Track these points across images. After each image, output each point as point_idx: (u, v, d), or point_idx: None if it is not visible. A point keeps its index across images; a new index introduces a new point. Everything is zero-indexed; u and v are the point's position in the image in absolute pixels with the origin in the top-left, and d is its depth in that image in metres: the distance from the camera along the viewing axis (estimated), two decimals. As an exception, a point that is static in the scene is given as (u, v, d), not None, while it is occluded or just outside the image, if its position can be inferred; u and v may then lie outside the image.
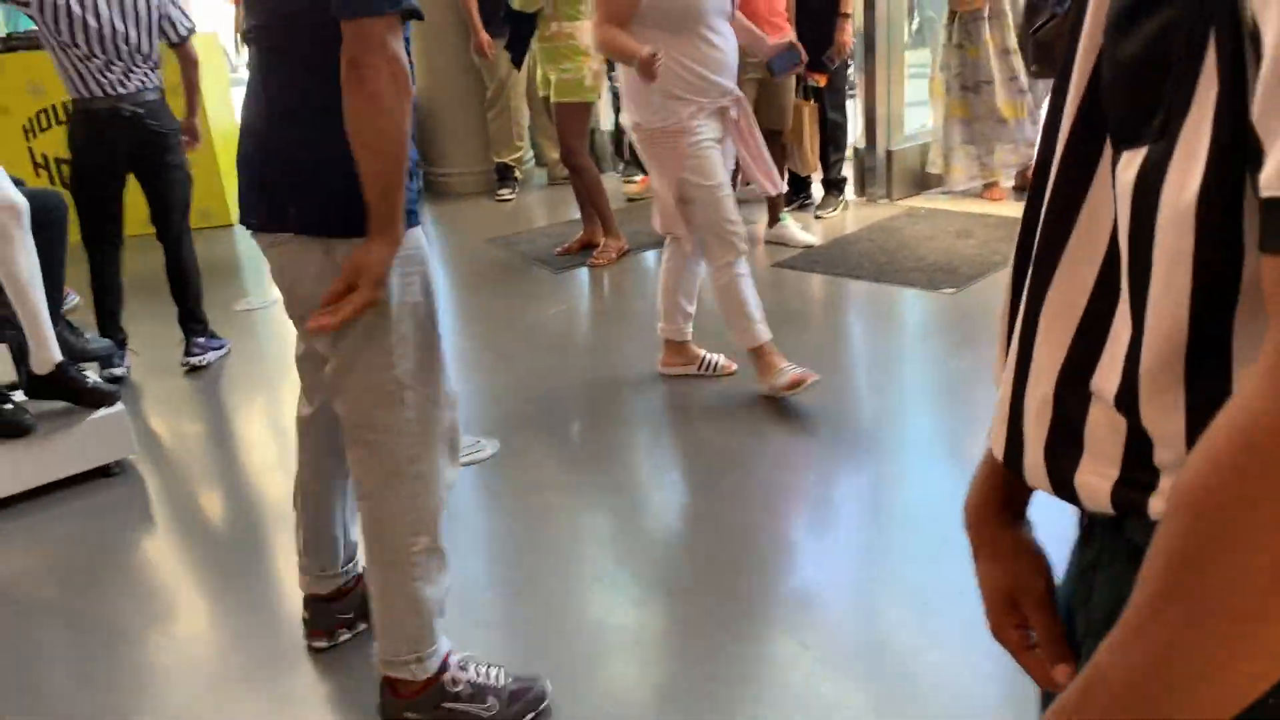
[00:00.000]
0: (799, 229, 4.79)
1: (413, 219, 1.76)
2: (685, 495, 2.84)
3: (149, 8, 3.64)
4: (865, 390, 3.39)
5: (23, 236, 2.92)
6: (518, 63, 5.08)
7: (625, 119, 3.19)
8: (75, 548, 2.78)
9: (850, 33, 4.84)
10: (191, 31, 3.81)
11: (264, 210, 1.75)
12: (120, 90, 3.62)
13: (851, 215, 5.17)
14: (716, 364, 3.44)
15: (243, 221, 1.83)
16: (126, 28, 3.60)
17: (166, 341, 3.99)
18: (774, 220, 4.82)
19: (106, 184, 3.75)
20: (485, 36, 5.60)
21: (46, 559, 2.75)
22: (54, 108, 5.69)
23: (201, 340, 3.92)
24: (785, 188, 4.98)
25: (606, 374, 3.64)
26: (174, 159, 3.79)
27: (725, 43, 3.06)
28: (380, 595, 1.90)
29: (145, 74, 3.67)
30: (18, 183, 3.21)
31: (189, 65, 3.90)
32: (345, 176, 1.61)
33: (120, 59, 3.61)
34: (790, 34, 4.13)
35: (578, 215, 4.99)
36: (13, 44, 5.80)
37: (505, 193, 6.09)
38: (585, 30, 4.50)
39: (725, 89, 3.07)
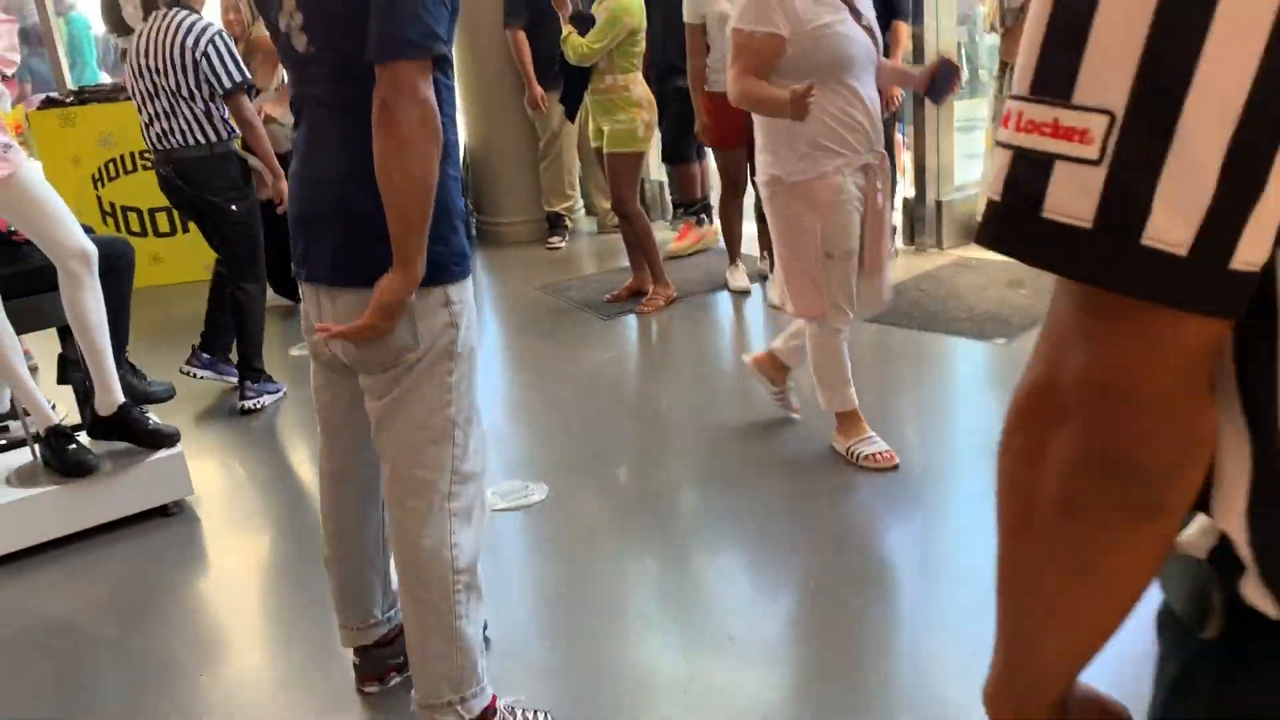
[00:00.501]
0: (848, 278, 4.79)
1: (465, 267, 1.81)
2: (734, 544, 2.83)
3: (183, 58, 3.57)
4: (914, 440, 3.37)
5: (91, 282, 3.01)
6: (571, 115, 5.18)
7: (760, 175, 3.01)
8: (132, 585, 2.84)
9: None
10: (238, 86, 3.62)
11: (332, 265, 1.80)
12: (159, 146, 3.72)
13: (900, 264, 5.15)
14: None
15: (305, 277, 1.87)
16: (164, 80, 3.61)
17: (204, 389, 4.08)
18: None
19: (196, 224, 3.92)
20: (539, 90, 5.71)
21: (104, 596, 2.80)
22: (121, 158, 5.89)
23: (255, 385, 4.00)
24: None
25: (655, 421, 3.66)
26: (225, 215, 3.76)
27: (871, 95, 2.89)
28: (419, 635, 1.90)
29: (185, 130, 3.64)
30: (87, 230, 3.33)
31: (238, 125, 3.73)
32: (432, 228, 1.69)
33: (159, 115, 3.66)
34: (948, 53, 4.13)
35: (627, 263, 5.03)
36: (85, 97, 6.02)
37: (556, 241, 6.17)
38: (638, 82, 4.58)
39: (871, 144, 2.88)
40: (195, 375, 4.08)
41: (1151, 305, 0.50)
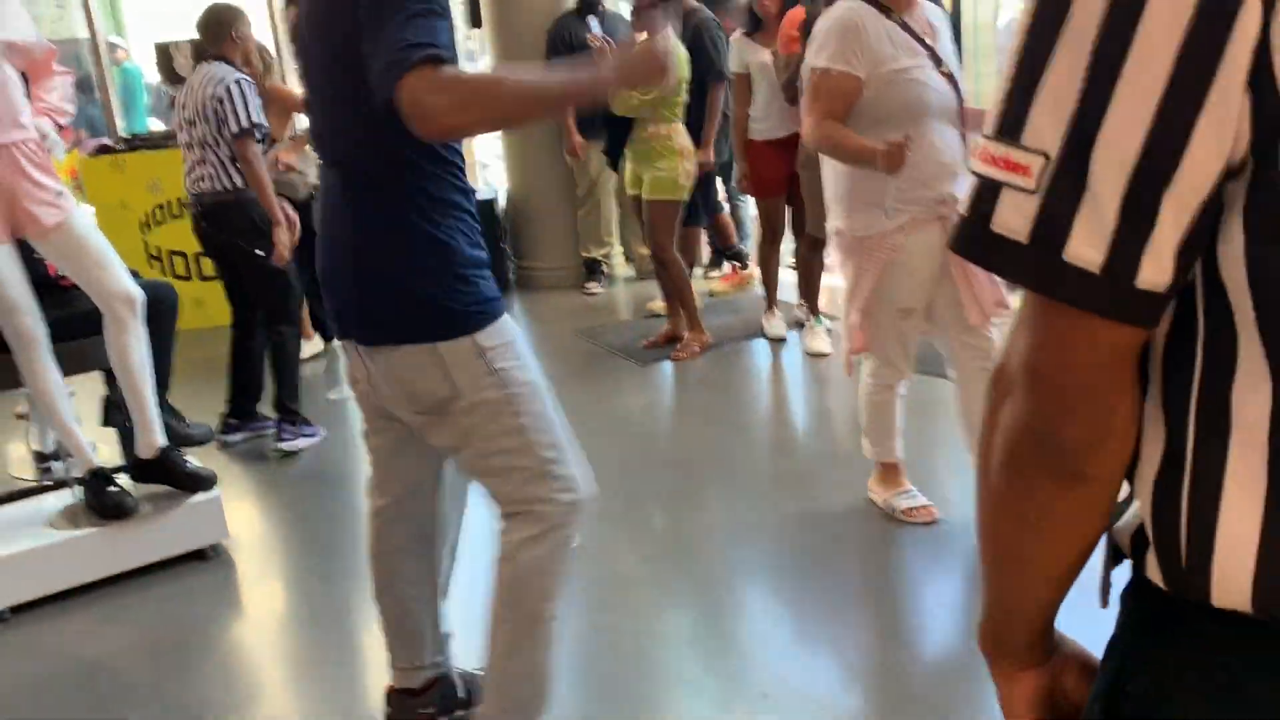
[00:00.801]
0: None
1: (492, 310, 1.84)
2: (770, 596, 2.79)
3: (206, 107, 3.70)
4: (957, 495, 3.32)
5: (136, 326, 3.06)
6: (614, 164, 5.23)
7: (829, 224, 2.94)
8: (168, 629, 2.85)
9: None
10: (244, 130, 3.66)
11: (359, 323, 1.84)
12: (192, 191, 3.84)
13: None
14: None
15: (341, 335, 1.90)
16: (196, 129, 3.76)
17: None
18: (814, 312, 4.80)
19: (221, 273, 3.96)
20: (578, 138, 5.77)
21: (140, 639, 2.81)
22: (169, 203, 6.00)
23: (292, 428, 4.02)
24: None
25: (690, 469, 3.63)
26: (249, 259, 3.81)
27: (948, 145, 2.71)
28: (503, 658, 1.92)
29: (213, 175, 3.76)
30: (133, 274, 3.39)
31: (241, 165, 3.72)
32: (437, 282, 1.75)
33: (195, 163, 3.79)
34: None
35: (663, 309, 5.05)
36: (135, 144, 6.17)
37: (593, 286, 6.20)
38: (680, 132, 4.61)
39: (945, 196, 2.68)
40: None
41: (1073, 310, 0.63)
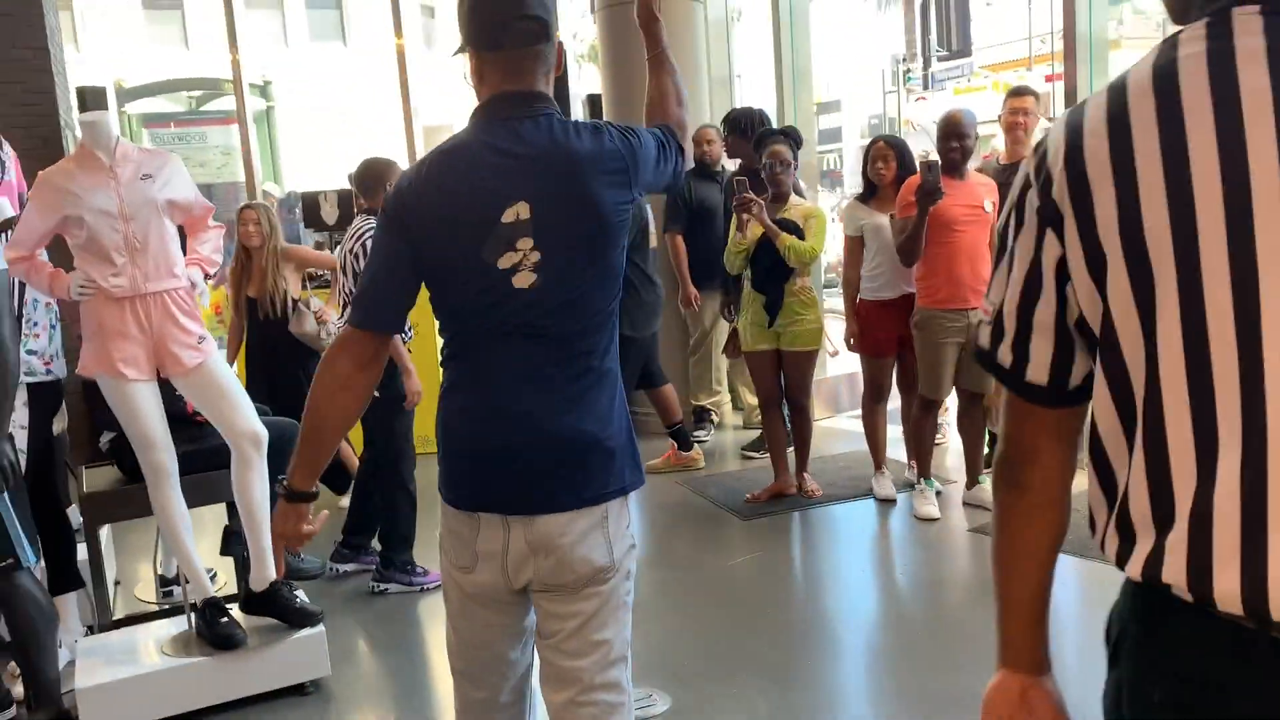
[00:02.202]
0: (999, 493, 4.64)
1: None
2: (862, 778, 2.68)
3: (346, 251, 4.01)
4: (1077, 676, 3.16)
5: (260, 464, 3.23)
6: (731, 317, 5.40)
7: None
8: (261, 765, 2.89)
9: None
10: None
11: (552, 491, 1.76)
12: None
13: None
14: None
15: (493, 507, 1.79)
16: (343, 274, 4.07)
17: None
18: (973, 482, 4.69)
19: None
20: (694, 290, 5.92)
21: (234, 774, 2.86)
22: (305, 339, 6.34)
23: (385, 571, 4.10)
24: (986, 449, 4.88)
25: (789, 634, 3.56)
26: (376, 402, 3.95)
27: None
28: None
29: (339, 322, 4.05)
30: (262, 412, 3.59)
31: None
32: (624, 436, 1.79)
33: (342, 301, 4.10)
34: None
35: (769, 462, 5.04)
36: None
37: (701, 434, 6.23)
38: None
39: None
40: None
41: (1011, 393, 1.14)
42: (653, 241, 5.35)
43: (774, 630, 3.58)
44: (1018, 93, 4.86)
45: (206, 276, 3.29)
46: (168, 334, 3.06)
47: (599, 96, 6.57)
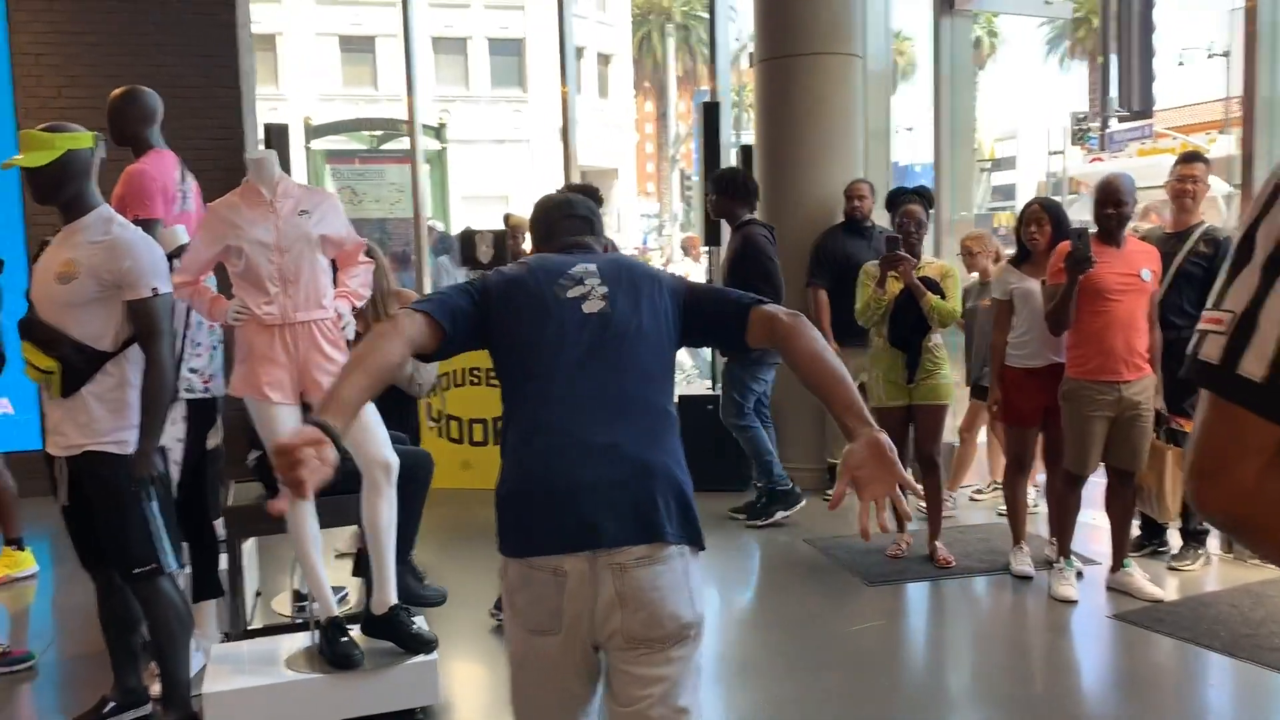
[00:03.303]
0: (1146, 579, 4.36)
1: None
2: None
3: None
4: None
5: (389, 492, 3.35)
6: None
7: None
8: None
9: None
10: None
11: (646, 524, 1.78)
12: None
13: (1213, 573, 4.64)
14: None
15: (576, 546, 1.77)
16: None
17: (483, 595, 4.30)
18: (1118, 565, 4.43)
19: None
20: (835, 346, 5.82)
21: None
22: (455, 372, 6.58)
23: None
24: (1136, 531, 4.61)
25: (904, 707, 3.42)
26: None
27: None
28: None
29: None
30: (399, 440, 3.72)
31: None
32: (690, 492, 1.86)
33: None
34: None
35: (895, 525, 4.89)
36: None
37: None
38: None
39: None
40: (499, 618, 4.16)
41: (1240, 408, 0.96)
42: None
43: (888, 705, 3.45)
44: (1187, 159, 4.63)
45: (354, 309, 3.46)
46: (312, 361, 3.22)
47: (750, 147, 6.61)
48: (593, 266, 1.97)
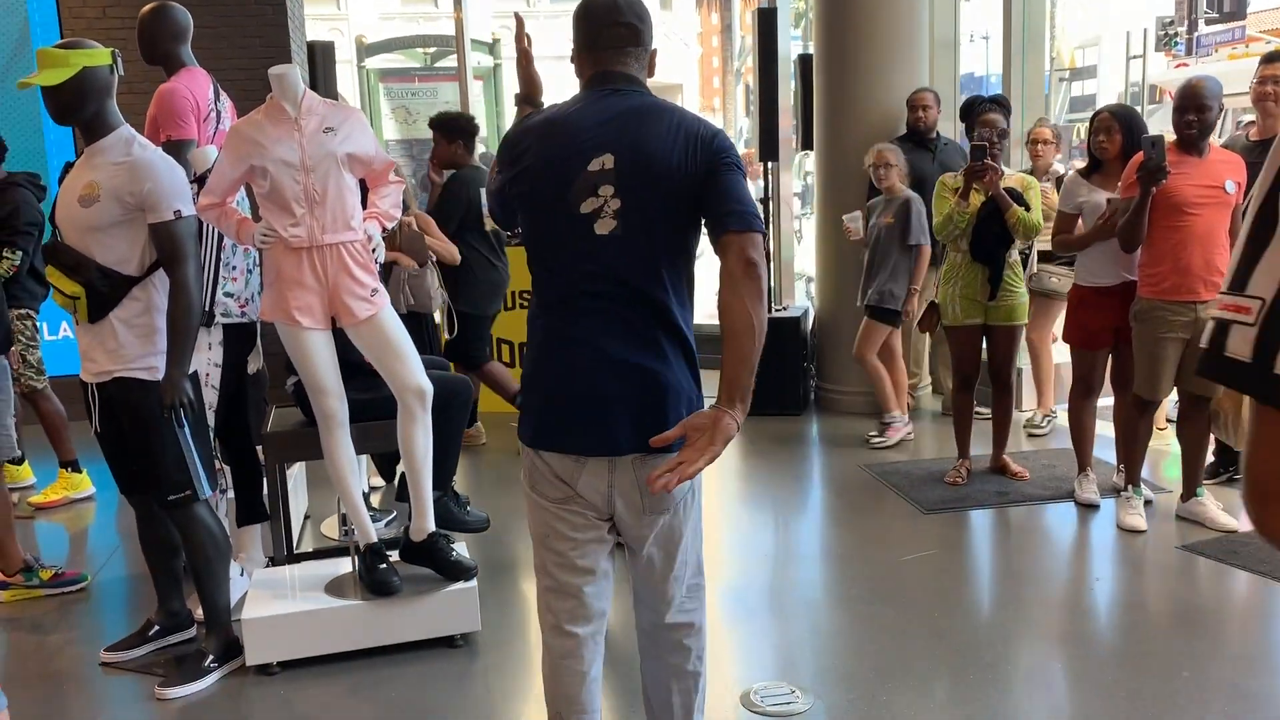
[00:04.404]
0: (1219, 508, 4.15)
1: None
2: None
3: None
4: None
5: (424, 418, 3.27)
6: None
7: None
8: (407, 712, 2.95)
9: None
10: None
11: (637, 435, 1.93)
12: None
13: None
14: None
15: (587, 449, 1.98)
16: None
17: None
18: (1189, 493, 4.22)
19: None
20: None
21: (379, 715, 2.93)
22: (511, 294, 6.46)
23: None
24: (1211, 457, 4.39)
25: (955, 642, 3.30)
26: None
27: None
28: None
29: None
30: (441, 366, 3.63)
31: None
32: (698, 396, 2.02)
33: None
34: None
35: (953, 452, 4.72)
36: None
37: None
38: None
39: None
40: None
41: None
42: (488, 224, 5.32)
43: (938, 640, 3.33)
44: (1270, 59, 4.28)
45: (384, 231, 3.35)
46: (342, 285, 3.13)
47: (810, 57, 6.32)
48: (610, 163, 1.91)
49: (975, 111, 4.61)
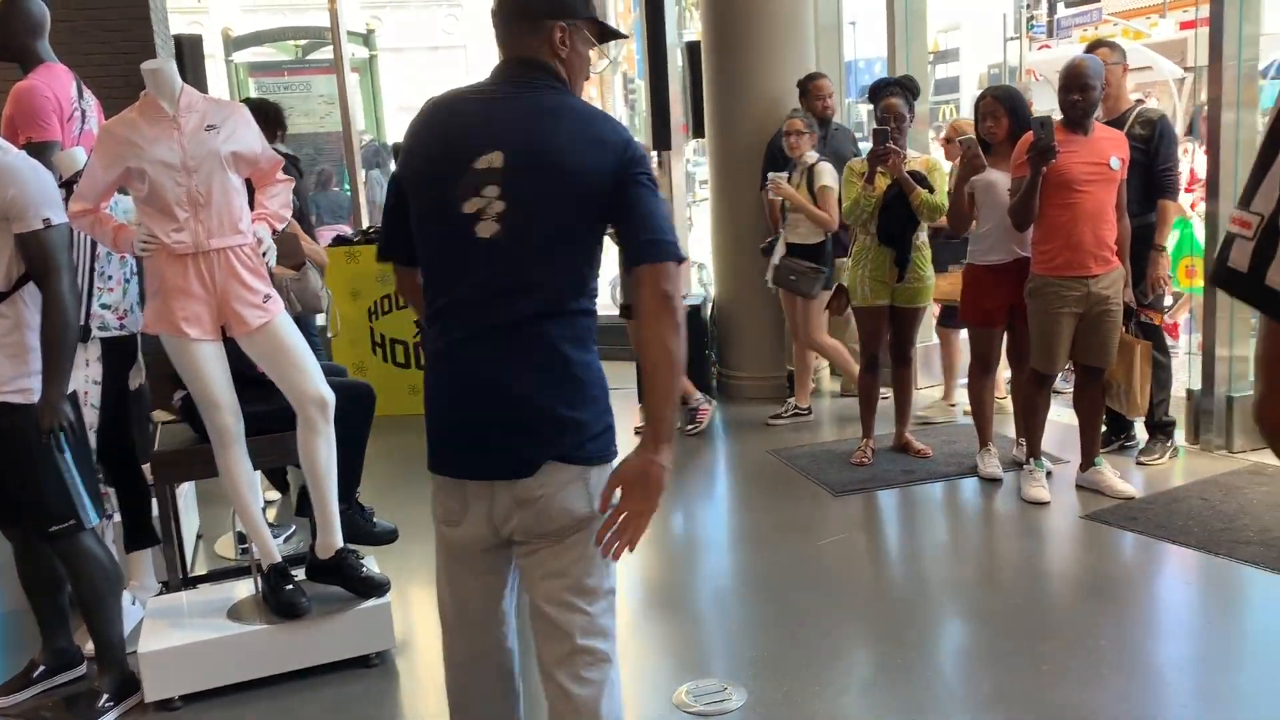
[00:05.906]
0: (1116, 476, 4.28)
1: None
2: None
3: None
4: (1189, 696, 2.85)
5: (326, 429, 3.11)
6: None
7: None
8: (319, 741, 2.81)
9: (1164, 267, 4.43)
10: None
11: (524, 459, 1.82)
12: None
13: (1181, 466, 4.58)
14: None
15: (469, 474, 1.87)
16: None
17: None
18: (1088, 463, 4.34)
19: None
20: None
21: (291, 748, 2.78)
22: (395, 295, 6.27)
23: None
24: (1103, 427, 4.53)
25: (880, 623, 3.32)
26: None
27: None
28: None
29: None
30: (336, 372, 3.47)
31: None
32: (599, 409, 1.87)
33: None
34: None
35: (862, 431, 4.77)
36: (371, 237, 6.50)
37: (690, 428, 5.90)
38: None
39: None
40: None
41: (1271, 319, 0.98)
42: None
43: (861, 621, 3.35)
44: (1092, 47, 4.48)
45: (274, 232, 3.17)
46: (231, 292, 2.95)
47: (698, 44, 6.29)
48: (499, 161, 1.76)
49: (880, 95, 4.64)
